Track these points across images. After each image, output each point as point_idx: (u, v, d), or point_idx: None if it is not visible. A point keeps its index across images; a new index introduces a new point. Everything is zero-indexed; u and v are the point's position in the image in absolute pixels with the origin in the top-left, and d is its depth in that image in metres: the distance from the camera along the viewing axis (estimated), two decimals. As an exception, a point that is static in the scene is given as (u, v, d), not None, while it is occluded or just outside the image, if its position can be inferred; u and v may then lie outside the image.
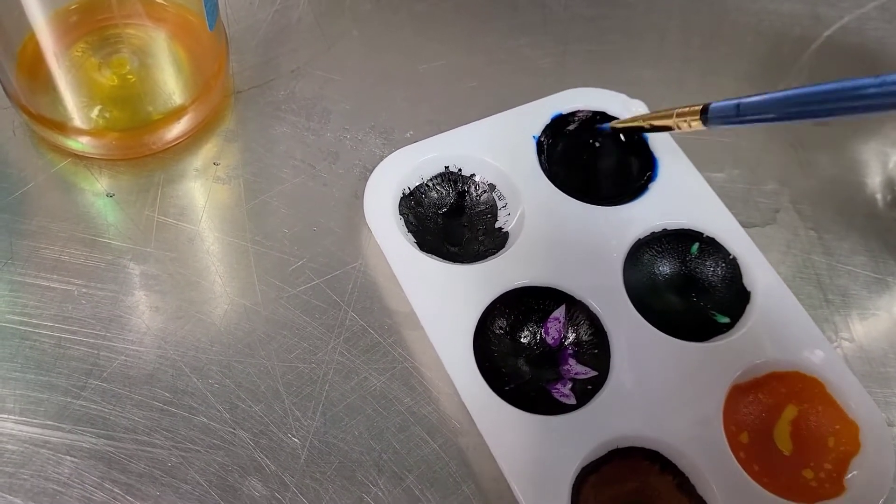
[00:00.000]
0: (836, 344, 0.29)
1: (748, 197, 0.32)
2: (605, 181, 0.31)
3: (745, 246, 0.29)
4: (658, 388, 0.26)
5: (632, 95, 0.32)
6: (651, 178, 0.30)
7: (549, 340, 0.27)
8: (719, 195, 0.31)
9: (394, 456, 0.25)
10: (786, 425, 0.27)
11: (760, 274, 0.29)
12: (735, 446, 0.26)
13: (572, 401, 0.26)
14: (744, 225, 0.30)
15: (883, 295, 0.30)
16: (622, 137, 0.31)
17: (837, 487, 0.26)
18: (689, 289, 0.29)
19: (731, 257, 0.29)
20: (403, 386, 0.26)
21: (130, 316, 0.27)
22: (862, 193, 0.33)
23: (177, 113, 0.28)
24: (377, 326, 0.27)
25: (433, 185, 0.30)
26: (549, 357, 0.27)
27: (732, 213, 0.30)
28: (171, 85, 0.29)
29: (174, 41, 0.30)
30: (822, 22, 0.37)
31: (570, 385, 0.27)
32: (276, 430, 0.26)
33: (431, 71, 0.33)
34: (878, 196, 0.33)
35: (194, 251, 0.28)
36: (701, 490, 0.25)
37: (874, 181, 0.33)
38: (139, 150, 0.29)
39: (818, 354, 0.27)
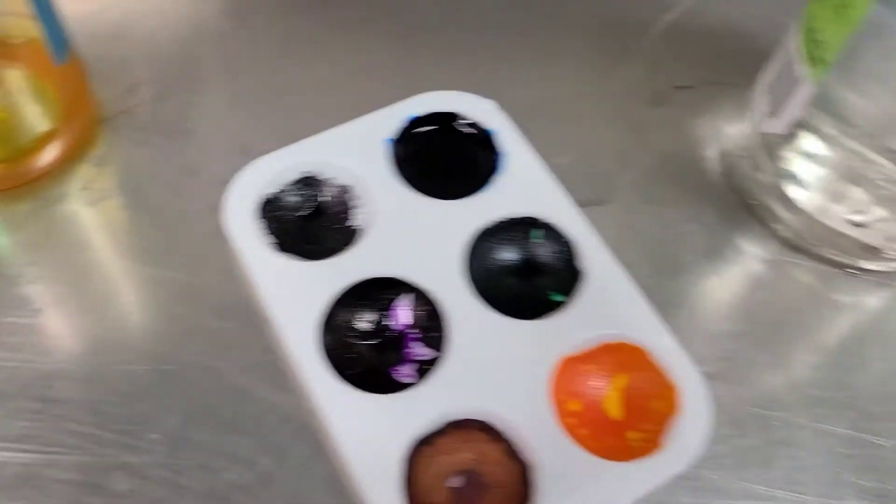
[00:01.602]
0: (671, 313, 0.31)
1: (590, 179, 0.34)
2: (454, 177, 0.33)
3: (581, 229, 0.31)
4: (491, 364, 0.29)
5: (486, 95, 0.34)
6: (496, 172, 0.33)
7: (394, 327, 0.30)
8: (563, 179, 0.33)
9: (249, 443, 0.28)
10: (616, 392, 0.29)
11: (594, 254, 0.31)
12: (565, 413, 0.28)
13: (414, 381, 0.28)
14: (584, 205, 0.33)
15: (716, 262, 0.33)
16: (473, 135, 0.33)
17: (654, 445, 0.28)
18: (529, 273, 0.31)
19: (567, 240, 0.31)
20: (259, 379, 0.29)
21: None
22: (697, 167, 0.35)
23: (42, 143, 0.31)
24: (236, 326, 0.30)
25: (291, 190, 0.32)
26: (394, 343, 0.29)
27: (575, 195, 0.33)
28: (34, 117, 0.32)
29: (33, 75, 0.32)
30: (664, 5, 0.39)
31: (412, 367, 0.29)
32: (139, 427, 0.28)
33: (290, 85, 0.36)
34: (712, 168, 0.35)
35: (66, 271, 0.31)
36: (526, 455, 0.27)
37: (708, 154, 0.35)
38: (9, 181, 0.31)
39: (644, 325, 0.30)
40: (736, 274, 0.33)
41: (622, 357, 0.30)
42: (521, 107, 0.36)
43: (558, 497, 0.26)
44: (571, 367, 0.29)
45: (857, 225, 0.31)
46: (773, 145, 0.32)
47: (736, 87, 0.34)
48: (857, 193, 0.30)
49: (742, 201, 0.34)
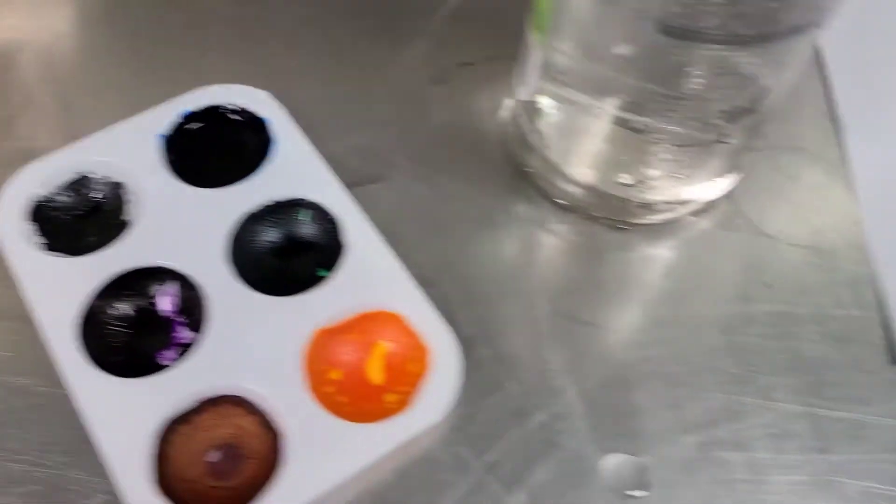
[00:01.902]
0: (443, 280, 0.33)
1: (369, 158, 0.35)
2: (224, 167, 0.34)
3: (347, 207, 0.33)
4: (248, 342, 0.30)
5: (271, 85, 0.36)
6: (267, 159, 0.34)
7: (160, 314, 0.31)
8: (341, 160, 0.34)
9: (18, 434, 0.29)
10: (378, 359, 0.30)
11: (358, 230, 0.32)
12: (323, 382, 0.29)
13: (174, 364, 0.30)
14: (359, 184, 0.34)
15: (492, 230, 0.34)
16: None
17: (406, 405, 0.29)
18: (294, 251, 0.32)
19: (333, 218, 0.32)
20: (26, 376, 0.30)
21: None
22: (476, 140, 0.36)
23: None
24: (9, 330, 0.31)
25: (64, 192, 0.33)
26: (159, 328, 0.30)
27: (351, 175, 0.34)
28: None
29: None
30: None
31: (176, 351, 0.30)
32: None
33: (70, 89, 0.37)
34: (490, 140, 0.36)
35: None
36: (280, 426, 0.28)
37: (487, 127, 0.36)
38: None
39: (402, 294, 0.31)
40: (512, 240, 0.34)
41: (381, 325, 0.31)
42: (303, 94, 0.37)
43: (308, 461, 0.28)
44: (328, 338, 0.30)
45: (627, 185, 0.32)
46: (532, 113, 0.34)
47: (515, 60, 0.35)
48: (617, 155, 0.32)
49: (518, 170, 0.35)
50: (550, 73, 0.30)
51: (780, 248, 0.34)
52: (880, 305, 0.33)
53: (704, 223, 0.35)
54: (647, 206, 0.34)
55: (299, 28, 0.40)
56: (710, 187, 0.34)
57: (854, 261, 0.34)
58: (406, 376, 0.30)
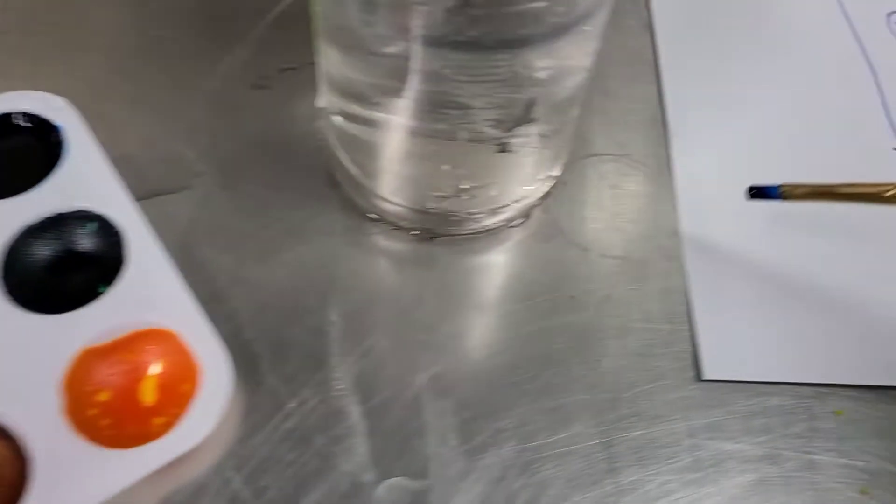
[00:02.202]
0: (235, 294, 0.31)
1: (174, 167, 0.34)
2: (10, 176, 0.32)
3: (132, 219, 0.31)
4: (4, 362, 0.28)
5: (76, 93, 0.34)
6: (55, 169, 0.32)
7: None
8: (141, 170, 0.33)
9: None
10: (150, 379, 0.29)
11: (141, 243, 0.31)
12: (87, 406, 0.28)
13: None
14: (159, 194, 0.33)
15: (288, 242, 0.33)
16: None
17: (170, 427, 0.28)
18: (77, 267, 0.31)
19: (118, 231, 0.31)
20: None
21: None
22: (290, 147, 0.35)
23: None
24: None
25: None
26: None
27: (150, 186, 0.33)
28: None
29: None
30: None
31: (-67, 373, 0.28)
32: None
33: None
34: (304, 147, 0.35)
35: None
36: (31, 450, 0.27)
37: (302, 134, 0.35)
38: None
39: (178, 310, 0.30)
40: (316, 254, 0.33)
41: (155, 344, 0.29)
42: (111, 102, 0.35)
43: (55, 488, 0.26)
44: (95, 358, 0.29)
45: (436, 196, 0.31)
46: (328, 125, 0.32)
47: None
48: (414, 167, 0.30)
49: (332, 180, 0.34)
50: (332, 82, 0.29)
51: (592, 258, 0.33)
52: (690, 320, 0.32)
53: (519, 234, 0.34)
54: (458, 218, 0.32)
55: (119, 34, 0.38)
56: (524, 196, 0.33)
57: (666, 273, 0.33)
58: (178, 397, 0.29)
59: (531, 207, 0.34)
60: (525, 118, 0.27)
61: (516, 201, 0.32)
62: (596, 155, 0.36)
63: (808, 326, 0.32)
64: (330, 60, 0.28)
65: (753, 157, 0.36)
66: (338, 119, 0.31)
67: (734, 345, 0.31)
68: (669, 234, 0.34)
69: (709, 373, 0.31)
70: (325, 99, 0.31)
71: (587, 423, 0.30)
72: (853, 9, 0.41)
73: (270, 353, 0.30)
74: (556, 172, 0.34)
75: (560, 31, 0.24)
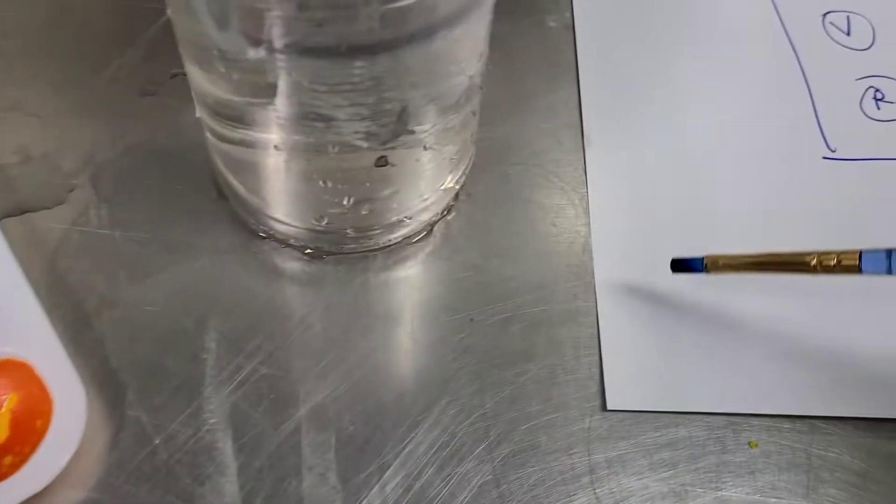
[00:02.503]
0: (93, 320, 0.29)
1: (44, 182, 0.32)
2: None
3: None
4: None
5: None
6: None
7: None
8: (11, 183, 0.31)
9: None
10: (5, 413, 0.27)
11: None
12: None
13: None
14: (29, 211, 0.31)
15: (168, 260, 0.30)
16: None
17: (15, 468, 0.26)
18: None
19: (-25, 252, 0.29)
20: None
21: None
22: (179, 157, 0.32)
23: None
24: None
25: None
26: None
27: (19, 201, 0.30)
28: None
29: None
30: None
31: None
32: None
33: None
34: (193, 157, 0.32)
35: None
36: None
37: (194, 143, 0.33)
38: None
39: (35, 338, 0.27)
40: (199, 272, 0.31)
41: (7, 376, 0.27)
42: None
43: None
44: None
45: (330, 213, 0.29)
46: (206, 138, 0.30)
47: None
48: (293, 182, 0.28)
49: (219, 193, 0.32)
50: (198, 97, 0.27)
51: (495, 278, 0.31)
52: (599, 346, 0.30)
53: (418, 251, 0.32)
54: (352, 235, 0.30)
55: None
56: (420, 210, 0.30)
57: (575, 295, 0.31)
58: (30, 434, 0.26)
59: (432, 223, 0.32)
60: (401, 130, 0.25)
61: (411, 217, 0.30)
62: (507, 165, 0.34)
63: (722, 354, 0.30)
64: (191, 73, 0.26)
65: (675, 169, 0.34)
66: (209, 135, 0.28)
67: (643, 373, 0.29)
68: (581, 252, 0.32)
69: (613, 402, 0.29)
70: (198, 110, 0.28)
71: (479, 457, 0.27)
72: (787, 9, 0.39)
73: (139, 384, 0.28)
74: (457, 185, 0.31)
75: (418, 36, 0.22)
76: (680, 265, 0.30)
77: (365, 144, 0.25)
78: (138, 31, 0.36)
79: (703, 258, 0.29)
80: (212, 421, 0.27)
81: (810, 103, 0.36)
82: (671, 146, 0.34)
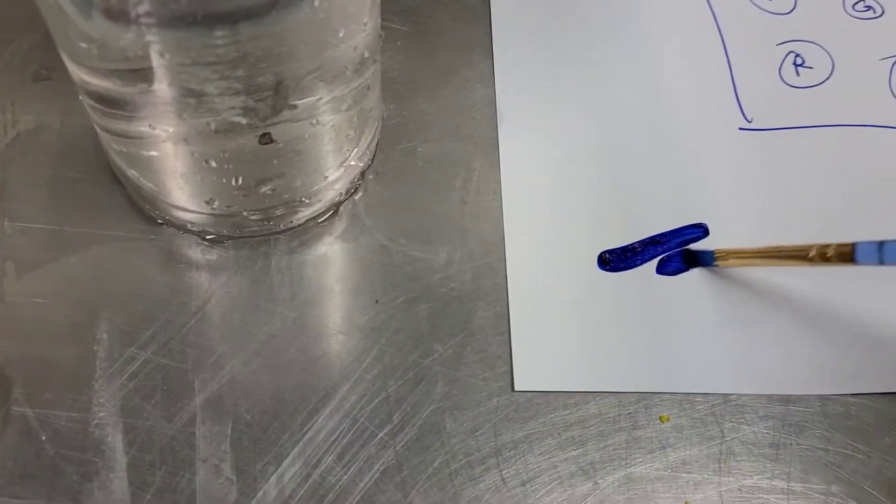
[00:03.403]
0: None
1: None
2: None
3: None
4: None
5: None
6: None
7: None
8: None
9: None
10: None
11: None
12: None
13: None
14: None
15: (55, 250, 0.29)
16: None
17: None
18: None
19: None
20: None
21: None
22: (73, 144, 0.31)
23: None
24: None
25: None
26: None
27: None
28: None
29: None
30: None
31: None
32: None
33: None
34: (90, 144, 0.31)
35: None
36: None
37: (88, 129, 0.31)
38: None
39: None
40: (92, 259, 0.29)
41: None
42: None
43: None
44: None
45: (223, 197, 0.28)
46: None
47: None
48: (186, 166, 0.27)
49: (114, 179, 0.31)
50: (79, 84, 0.26)
51: (403, 258, 0.30)
52: (508, 326, 0.29)
53: (322, 232, 0.31)
54: (253, 218, 0.29)
55: None
56: (321, 190, 0.29)
57: (488, 274, 0.30)
58: None
59: (338, 203, 0.31)
60: (281, 104, 0.24)
61: (312, 198, 0.29)
62: (418, 142, 0.33)
63: (633, 334, 0.29)
64: (66, 62, 0.25)
65: (590, 146, 0.33)
66: (95, 121, 0.27)
67: (552, 353, 0.28)
68: (492, 231, 0.31)
69: (521, 383, 0.28)
70: (81, 95, 0.27)
71: (381, 443, 0.27)
72: (706, -25, 0.38)
73: (25, 379, 0.27)
74: (360, 163, 0.30)
75: (282, 3, 0.20)
76: (691, 258, 0.30)
77: (244, 121, 0.24)
78: (33, 15, 0.35)
79: (713, 252, 0.30)
80: (101, 415, 0.26)
81: (728, 72, 0.35)
82: (585, 121, 0.34)
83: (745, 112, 0.34)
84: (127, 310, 0.28)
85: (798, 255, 0.28)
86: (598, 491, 0.26)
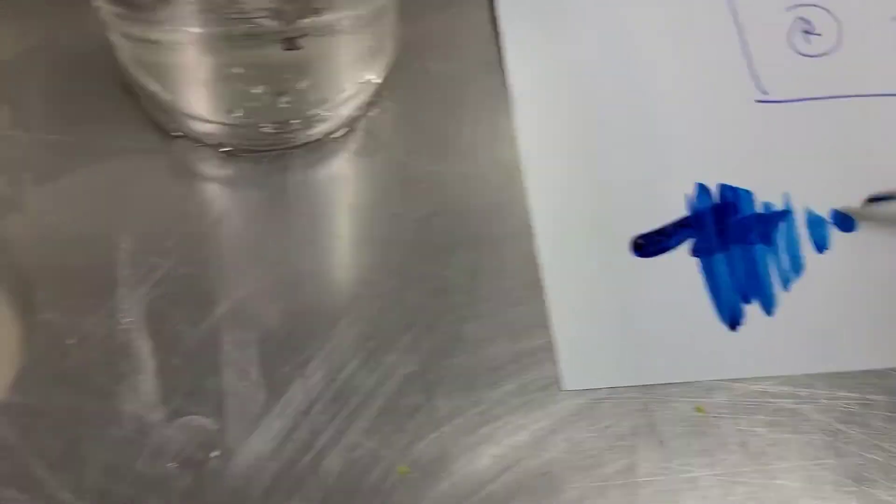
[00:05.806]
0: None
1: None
2: None
3: None
4: None
5: None
6: None
7: None
8: None
9: None
10: None
11: None
12: None
13: None
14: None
15: (68, 163, 0.29)
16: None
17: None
18: None
19: None
20: None
21: None
22: (84, 53, 0.31)
23: None
24: None
25: None
26: None
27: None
28: None
29: None
30: None
31: None
32: None
33: None
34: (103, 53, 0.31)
35: None
36: None
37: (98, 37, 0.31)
38: None
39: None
40: (109, 172, 0.29)
41: None
42: None
43: None
44: None
45: (242, 108, 0.28)
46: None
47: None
48: (209, 76, 0.27)
49: (129, 90, 0.30)
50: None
51: (420, 173, 0.30)
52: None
53: (339, 147, 0.31)
54: (270, 131, 0.29)
55: None
56: (339, 104, 0.29)
57: (502, 187, 0.30)
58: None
59: (354, 118, 0.31)
60: (308, 7, 0.24)
61: (329, 111, 0.29)
62: (430, 60, 0.33)
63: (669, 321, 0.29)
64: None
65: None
66: (114, 30, 0.27)
67: (598, 349, 0.28)
68: (507, 145, 0.31)
69: (570, 382, 0.27)
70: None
71: (404, 348, 0.27)
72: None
73: (49, 285, 0.27)
74: (377, 79, 0.30)
75: None
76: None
77: (273, 24, 0.24)
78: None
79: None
80: (126, 320, 0.27)
81: (740, 43, 0.34)
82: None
83: (761, 83, 0.34)
84: (146, 220, 0.29)
85: None
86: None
